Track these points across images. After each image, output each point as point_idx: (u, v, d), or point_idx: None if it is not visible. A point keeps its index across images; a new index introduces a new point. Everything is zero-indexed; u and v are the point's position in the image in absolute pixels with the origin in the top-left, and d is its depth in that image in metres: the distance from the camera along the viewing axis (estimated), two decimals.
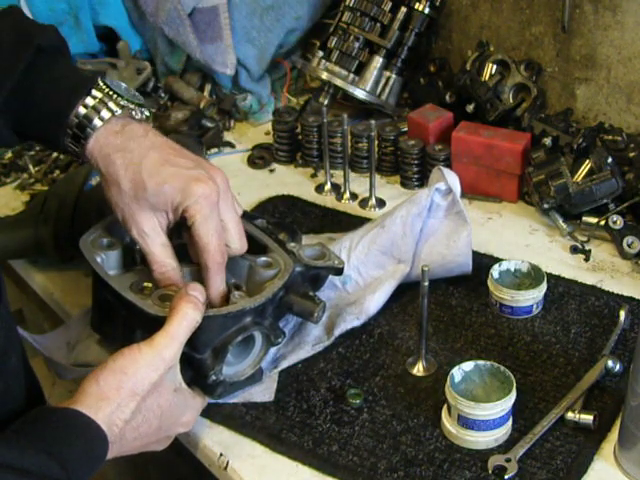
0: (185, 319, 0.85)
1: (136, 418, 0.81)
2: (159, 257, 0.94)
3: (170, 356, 0.84)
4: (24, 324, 1.52)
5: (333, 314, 1.11)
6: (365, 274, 1.15)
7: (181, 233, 0.99)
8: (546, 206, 1.27)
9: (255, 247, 1.03)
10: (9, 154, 1.57)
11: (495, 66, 1.49)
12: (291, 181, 1.48)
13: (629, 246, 1.20)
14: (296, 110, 1.57)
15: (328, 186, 1.43)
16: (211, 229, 0.91)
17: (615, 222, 1.21)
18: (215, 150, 1.58)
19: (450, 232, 1.14)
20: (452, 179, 1.15)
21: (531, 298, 1.10)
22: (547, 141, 1.32)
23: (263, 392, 1.00)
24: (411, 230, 1.14)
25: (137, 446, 0.85)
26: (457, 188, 1.15)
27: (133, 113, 0.94)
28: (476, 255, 1.17)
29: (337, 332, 1.08)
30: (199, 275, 0.95)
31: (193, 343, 0.89)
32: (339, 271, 1.08)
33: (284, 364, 1.04)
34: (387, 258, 1.15)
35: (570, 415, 0.93)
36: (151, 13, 1.64)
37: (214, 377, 0.92)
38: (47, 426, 0.75)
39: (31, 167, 1.53)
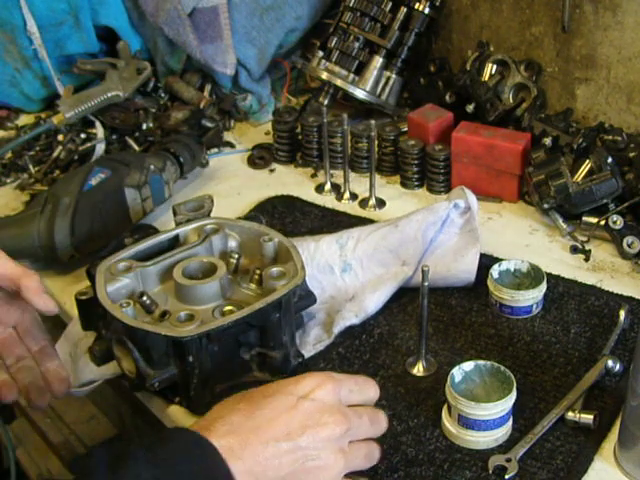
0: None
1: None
2: None
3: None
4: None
5: (331, 310, 1.11)
6: (367, 268, 1.15)
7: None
8: (546, 206, 1.27)
9: None
10: (9, 154, 1.57)
11: (495, 66, 1.50)
12: (291, 181, 1.48)
13: (629, 246, 1.20)
14: (296, 110, 1.57)
15: (328, 186, 1.43)
16: None
17: (615, 222, 1.21)
18: (215, 150, 1.58)
19: (459, 248, 1.15)
20: (472, 199, 1.19)
21: (531, 298, 1.10)
22: (547, 141, 1.32)
23: None
24: (422, 236, 1.15)
25: None
26: (475, 208, 1.18)
27: None
28: None
29: (336, 330, 1.08)
30: None
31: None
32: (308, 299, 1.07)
33: None
34: (393, 258, 1.15)
35: (570, 415, 0.93)
36: (151, 13, 1.64)
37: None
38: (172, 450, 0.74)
39: (31, 167, 1.53)
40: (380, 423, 0.86)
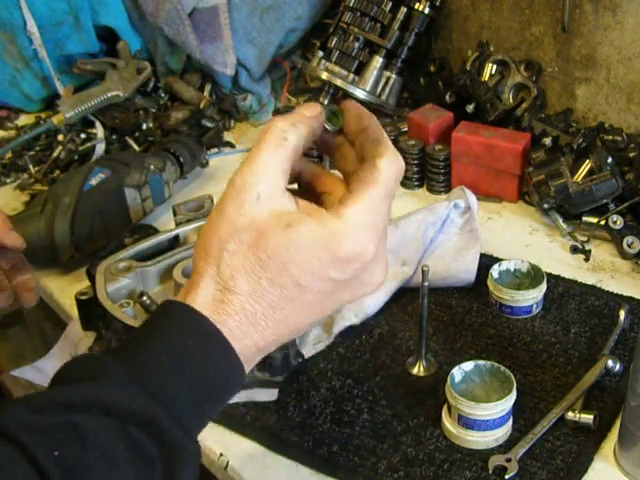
0: (268, 136, 0.66)
1: (247, 284, 0.61)
2: None
3: (251, 180, 0.63)
4: (24, 324, 1.52)
5: None
6: None
7: None
8: (546, 206, 1.27)
9: None
10: (9, 154, 1.57)
11: (495, 66, 1.50)
12: None
13: (629, 246, 1.20)
14: None
15: None
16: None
17: (615, 222, 1.21)
18: (215, 150, 1.58)
19: (459, 248, 1.15)
20: (472, 199, 1.19)
21: (531, 298, 1.10)
22: (547, 141, 1.32)
23: (266, 392, 1.00)
24: (423, 236, 1.15)
25: (297, 315, 0.63)
26: (475, 208, 1.18)
27: None
28: None
29: (336, 330, 1.08)
30: None
31: None
32: None
33: None
34: (393, 257, 1.15)
35: (570, 415, 0.93)
36: (151, 13, 1.64)
37: None
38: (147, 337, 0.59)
39: (31, 167, 1.53)
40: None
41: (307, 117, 0.67)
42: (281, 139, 0.65)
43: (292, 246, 0.61)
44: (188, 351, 0.59)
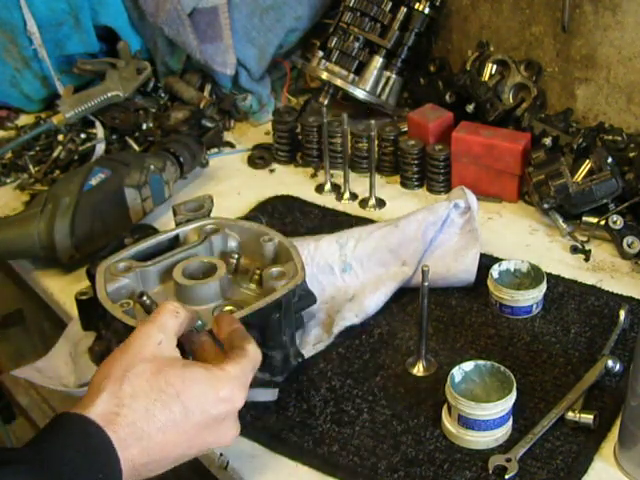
0: (165, 308, 0.82)
1: (143, 403, 0.73)
2: None
3: (154, 331, 0.78)
4: (24, 324, 1.52)
5: (331, 310, 1.11)
6: (367, 268, 1.16)
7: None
8: (546, 206, 1.27)
9: None
10: (9, 154, 1.57)
11: (495, 66, 1.50)
12: (291, 181, 1.48)
13: (629, 246, 1.20)
14: (296, 110, 1.57)
15: (328, 186, 1.43)
16: None
17: (615, 222, 1.21)
18: (215, 150, 1.58)
19: (459, 248, 1.15)
20: (472, 199, 1.19)
21: (531, 298, 1.10)
22: (547, 141, 1.32)
23: (266, 391, 1.00)
24: (422, 236, 1.15)
25: (173, 443, 0.75)
26: (475, 208, 1.18)
27: None
28: None
29: (336, 330, 1.08)
30: None
31: None
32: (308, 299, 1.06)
33: None
34: (393, 257, 1.15)
35: (570, 415, 0.93)
36: (151, 13, 1.64)
37: None
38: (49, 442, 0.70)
39: (31, 167, 1.53)
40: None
41: (189, 311, 0.85)
42: (174, 313, 0.81)
43: (187, 379, 0.76)
44: (84, 453, 0.70)
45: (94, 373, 0.77)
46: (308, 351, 1.05)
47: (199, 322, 0.87)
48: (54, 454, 0.69)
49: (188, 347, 0.85)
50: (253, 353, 0.83)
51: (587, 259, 1.22)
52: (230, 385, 0.79)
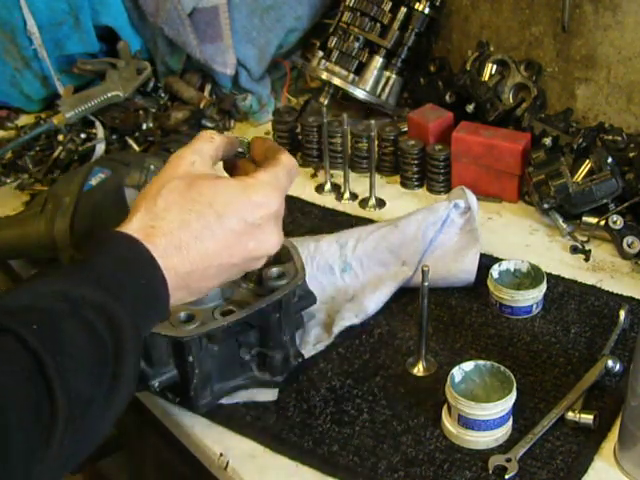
0: (202, 136, 0.84)
1: (178, 214, 0.75)
2: None
3: (188, 152, 0.81)
4: None
5: (331, 310, 1.11)
6: (367, 268, 1.16)
7: None
8: (546, 206, 1.27)
9: None
10: (9, 154, 1.57)
11: (495, 66, 1.50)
12: None
13: (629, 246, 1.20)
14: (296, 110, 1.57)
15: (328, 186, 1.43)
16: None
17: (615, 222, 1.21)
18: None
19: (459, 248, 1.15)
20: (472, 199, 1.19)
21: (531, 298, 1.10)
22: (547, 141, 1.32)
23: (266, 391, 1.00)
24: (422, 236, 1.15)
25: (213, 250, 0.77)
26: (475, 208, 1.19)
27: None
28: None
29: (336, 330, 1.08)
30: None
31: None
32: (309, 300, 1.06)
33: None
34: (393, 258, 1.15)
35: (570, 415, 0.93)
36: (151, 13, 1.64)
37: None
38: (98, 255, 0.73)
39: (31, 167, 1.53)
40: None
41: (227, 136, 0.86)
42: (210, 138, 0.83)
43: (218, 190, 0.78)
44: (125, 263, 0.73)
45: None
46: (308, 351, 1.05)
47: (239, 150, 0.88)
48: (92, 266, 0.72)
49: (230, 173, 0.88)
50: (285, 159, 0.84)
51: (587, 259, 1.22)
52: (263, 190, 0.80)
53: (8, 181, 1.52)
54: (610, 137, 1.30)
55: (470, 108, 1.45)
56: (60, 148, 1.54)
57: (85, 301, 0.68)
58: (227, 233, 0.77)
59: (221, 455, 0.94)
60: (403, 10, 1.54)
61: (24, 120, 1.74)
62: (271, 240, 0.81)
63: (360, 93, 1.55)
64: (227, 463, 0.93)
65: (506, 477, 0.88)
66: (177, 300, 0.77)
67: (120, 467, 1.43)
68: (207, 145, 0.82)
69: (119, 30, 1.70)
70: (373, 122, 1.33)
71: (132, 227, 0.75)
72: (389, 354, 1.06)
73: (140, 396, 1.03)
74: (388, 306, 1.13)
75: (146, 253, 0.73)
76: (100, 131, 1.55)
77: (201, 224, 0.76)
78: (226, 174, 0.89)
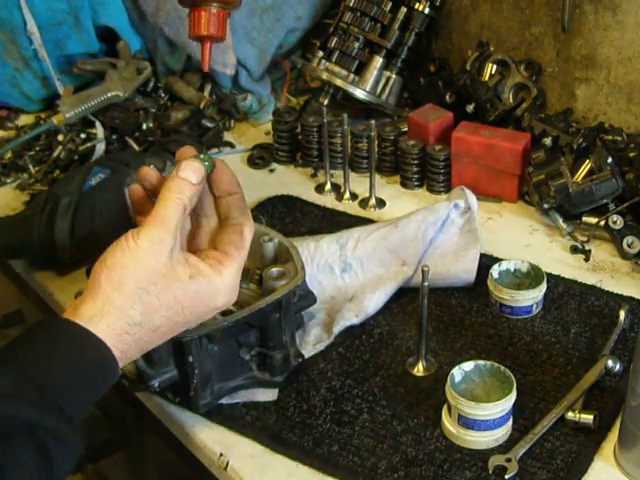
0: (173, 200, 0.79)
1: (151, 319, 0.76)
2: None
3: (169, 237, 0.77)
4: (24, 324, 1.52)
5: (331, 310, 1.11)
6: (367, 268, 1.16)
7: None
8: (546, 206, 1.27)
9: None
10: (9, 154, 1.57)
11: (495, 66, 1.50)
12: (291, 181, 1.48)
13: (629, 246, 1.20)
14: (296, 110, 1.57)
15: (328, 186, 1.43)
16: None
17: (615, 222, 1.21)
18: (215, 150, 1.58)
19: (459, 248, 1.15)
20: (472, 199, 1.19)
21: (531, 298, 1.10)
22: (547, 141, 1.32)
23: (266, 392, 1.00)
24: (423, 236, 1.15)
25: (162, 339, 0.80)
26: (475, 208, 1.18)
27: None
28: None
29: (336, 330, 1.08)
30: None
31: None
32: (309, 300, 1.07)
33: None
34: (393, 257, 1.15)
35: (570, 415, 0.93)
36: (151, 13, 1.64)
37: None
38: (30, 342, 0.71)
39: (31, 167, 1.53)
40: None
41: (195, 186, 0.81)
42: (182, 209, 0.79)
43: (192, 295, 0.78)
44: (87, 371, 0.72)
45: (95, 265, 0.77)
46: (308, 351, 1.05)
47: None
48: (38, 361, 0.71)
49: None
50: (249, 235, 0.84)
51: (587, 259, 1.22)
52: (228, 295, 0.82)
53: (8, 181, 1.52)
54: (610, 137, 1.30)
55: (470, 108, 1.45)
56: (60, 148, 1.54)
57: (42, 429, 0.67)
58: (182, 325, 0.81)
59: (221, 455, 0.94)
60: (403, 10, 1.54)
61: (24, 120, 1.74)
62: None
63: (360, 93, 1.55)
64: (227, 463, 0.93)
65: (506, 477, 0.88)
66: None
67: (120, 467, 1.43)
68: (181, 216, 0.79)
69: (119, 30, 1.70)
70: (373, 122, 1.33)
71: (106, 330, 0.74)
72: (389, 354, 1.06)
73: (140, 396, 1.04)
74: (388, 306, 1.13)
75: (110, 358, 0.74)
76: (100, 131, 1.55)
77: (168, 327, 0.78)
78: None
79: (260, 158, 1.56)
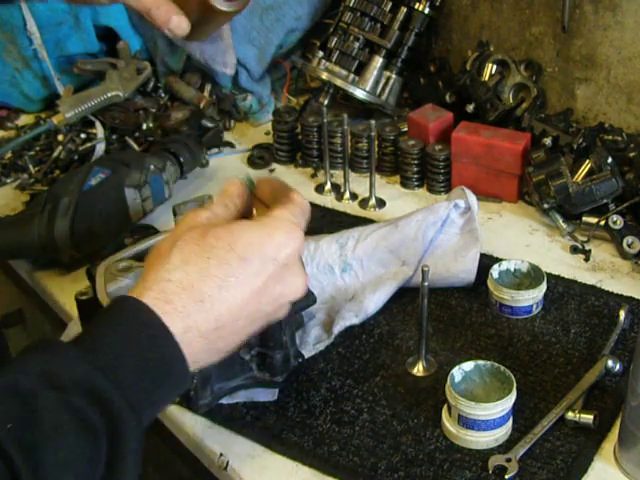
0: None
1: (199, 266, 0.70)
2: None
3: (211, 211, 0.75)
4: (24, 324, 1.52)
5: (331, 310, 1.11)
6: (367, 268, 1.16)
7: None
8: (546, 206, 1.27)
9: None
10: (9, 154, 1.57)
11: (495, 66, 1.50)
12: (291, 181, 1.46)
13: (629, 246, 1.20)
14: (296, 110, 1.57)
15: (328, 186, 1.43)
16: None
17: (615, 222, 1.21)
18: (215, 150, 1.58)
19: (459, 248, 1.15)
20: (472, 199, 1.19)
21: (531, 298, 1.10)
22: (547, 141, 1.32)
23: (266, 391, 1.00)
24: (423, 236, 1.15)
25: (241, 299, 0.71)
26: (475, 208, 1.18)
27: None
28: None
29: (336, 330, 1.08)
30: None
31: None
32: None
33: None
34: (393, 258, 1.15)
35: (570, 415, 0.93)
36: None
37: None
38: (103, 328, 0.66)
39: (31, 167, 1.53)
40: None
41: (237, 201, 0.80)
42: (224, 205, 0.78)
43: (235, 231, 0.72)
44: (133, 338, 0.66)
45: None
46: (308, 351, 1.05)
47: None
48: (89, 341, 0.65)
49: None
50: (299, 198, 0.79)
51: (587, 259, 1.22)
52: (282, 228, 0.74)
53: (8, 181, 1.52)
54: (610, 137, 1.30)
55: (470, 108, 1.45)
56: (60, 148, 1.54)
57: (75, 385, 0.60)
58: (252, 278, 0.71)
59: (221, 455, 0.94)
60: (403, 10, 1.54)
61: (24, 120, 1.74)
62: (297, 282, 0.76)
63: (360, 93, 1.55)
64: (227, 463, 0.93)
65: (506, 477, 0.88)
66: (201, 363, 0.71)
67: None
68: (222, 209, 0.77)
69: (119, 30, 1.70)
70: (373, 122, 1.33)
71: (146, 285, 0.68)
72: (389, 354, 1.06)
73: None
74: (388, 306, 1.13)
75: (157, 322, 0.66)
76: (100, 131, 1.55)
77: (223, 271, 0.69)
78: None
79: (260, 158, 1.56)
